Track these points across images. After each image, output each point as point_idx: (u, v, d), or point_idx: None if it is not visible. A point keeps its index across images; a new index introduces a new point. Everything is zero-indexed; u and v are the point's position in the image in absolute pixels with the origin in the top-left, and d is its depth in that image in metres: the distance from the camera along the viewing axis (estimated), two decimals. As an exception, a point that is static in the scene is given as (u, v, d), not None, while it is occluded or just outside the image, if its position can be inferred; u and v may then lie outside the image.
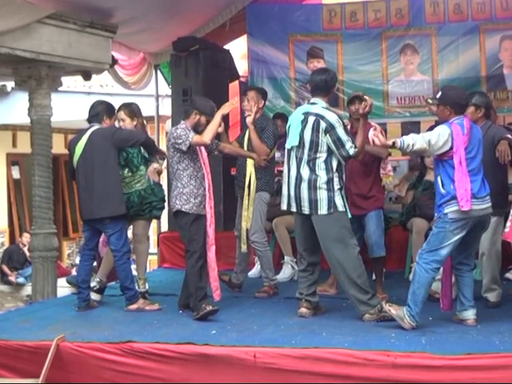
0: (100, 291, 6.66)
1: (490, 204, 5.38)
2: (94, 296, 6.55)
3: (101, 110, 6.40)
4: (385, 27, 9.75)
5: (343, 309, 6.04)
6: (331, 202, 5.68)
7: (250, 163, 6.71)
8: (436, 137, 5.30)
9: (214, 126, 5.98)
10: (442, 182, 5.35)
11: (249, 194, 6.70)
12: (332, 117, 5.73)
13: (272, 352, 4.75)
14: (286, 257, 7.76)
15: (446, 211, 5.31)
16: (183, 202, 5.99)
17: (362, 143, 5.85)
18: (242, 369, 4.74)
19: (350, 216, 5.83)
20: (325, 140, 5.68)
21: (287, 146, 5.91)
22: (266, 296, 6.71)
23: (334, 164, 5.72)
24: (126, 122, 6.57)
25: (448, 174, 5.32)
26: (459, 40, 9.51)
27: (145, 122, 6.92)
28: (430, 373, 4.52)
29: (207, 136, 5.94)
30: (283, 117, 7.96)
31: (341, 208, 5.71)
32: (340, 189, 5.73)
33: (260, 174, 6.71)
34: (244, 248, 6.80)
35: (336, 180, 5.72)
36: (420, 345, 4.83)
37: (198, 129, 6.06)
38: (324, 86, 5.87)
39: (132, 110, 6.61)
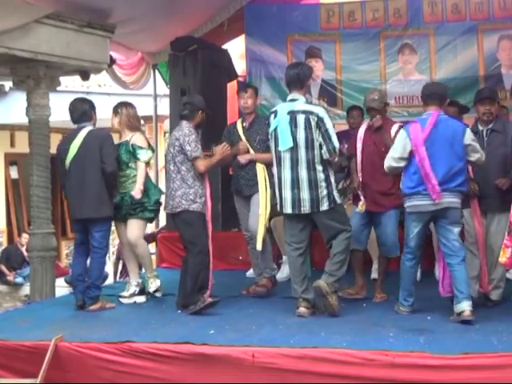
0: (143, 292, 6.66)
1: (447, 199, 5.59)
2: (139, 299, 6.57)
3: (87, 109, 6.52)
4: (383, 27, 9.77)
5: (342, 309, 6.04)
6: (331, 198, 5.87)
7: (261, 164, 6.68)
8: (393, 151, 5.80)
9: (213, 162, 6.35)
10: (403, 178, 5.75)
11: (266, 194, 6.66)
12: (319, 110, 5.94)
13: (270, 352, 4.75)
14: (284, 257, 7.75)
15: (405, 205, 5.77)
16: (190, 202, 6.17)
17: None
18: (241, 369, 4.74)
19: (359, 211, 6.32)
20: (317, 135, 5.81)
21: (279, 148, 5.91)
22: (264, 290, 6.68)
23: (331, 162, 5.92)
24: (112, 116, 6.72)
25: (409, 170, 5.67)
26: (457, 40, 9.53)
27: (142, 122, 6.90)
28: (429, 372, 4.52)
29: (205, 167, 6.24)
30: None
31: (339, 200, 5.96)
32: (335, 184, 5.98)
33: (270, 172, 6.49)
34: (260, 247, 6.70)
35: (331, 175, 5.93)
36: (418, 344, 4.83)
37: (201, 124, 6.40)
38: (297, 79, 5.99)
39: (116, 107, 6.71)
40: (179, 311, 6.15)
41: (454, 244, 5.66)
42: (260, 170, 6.67)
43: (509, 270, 7.12)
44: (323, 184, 5.83)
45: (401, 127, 6.13)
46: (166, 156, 6.52)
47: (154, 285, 6.69)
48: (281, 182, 5.91)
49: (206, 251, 6.17)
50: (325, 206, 5.85)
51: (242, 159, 6.72)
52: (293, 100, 5.97)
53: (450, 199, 5.63)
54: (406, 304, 5.85)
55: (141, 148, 6.52)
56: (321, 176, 5.83)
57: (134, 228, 6.57)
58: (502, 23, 9.40)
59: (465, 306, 5.47)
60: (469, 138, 5.70)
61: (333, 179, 5.94)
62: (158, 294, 6.73)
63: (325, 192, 5.84)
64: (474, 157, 5.71)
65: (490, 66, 9.46)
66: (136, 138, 6.58)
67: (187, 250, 6.36)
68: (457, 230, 5.69)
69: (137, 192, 6.45)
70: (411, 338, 5.02)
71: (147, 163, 6.60)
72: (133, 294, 6.63)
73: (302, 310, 5.84)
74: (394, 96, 9.72)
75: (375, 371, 4.58)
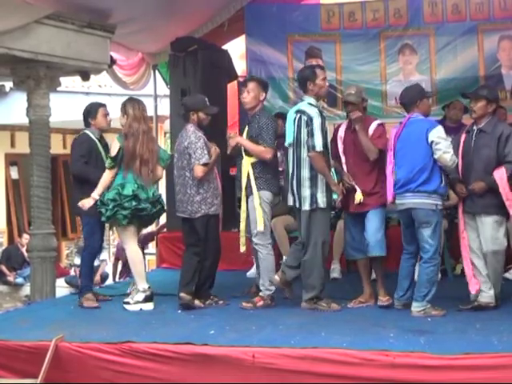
0: (149, 299, 6.40)
1: (410, 200, 5.81)
2: (145, 307, 6.31)
3: (85, 115, 6.75)
4: (383, 27, 9.77)
5: (342, 308, 6.04)
6: (313, 199, 6.00)
7: (246, 163, 6.44)
8: None
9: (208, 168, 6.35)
10: None
11: (247, 196, 6.44)
12: (312, 111, 6.07)
13: (271, 352, 4.75)
14: (284, 257, 7.74)
15: None
16: (209, 206, 6.37)
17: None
18: (241, 369, 4.74)
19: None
20: (305, 134, 6.02)
21: (286, 143, 6.29)
22: (250, 307, 6.24)
23: None
24: (120, 116, 6.56)
25: None
26: (457, 40, 9.53)
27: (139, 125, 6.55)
28: (429, 372, 4.52)
29: (203, 172, 6.30)
30: (284, 117, 7.91)
31: (322, 205, 6.02)
32: (326, 187, 6.01)
33: (259, 172, 6.40)
34: (243, 249, 6.63)
35: (320, 176, 6.01)
36: (418, 345, 4.82)
37: (202, 124, 6.44)
38: (299, 82, 6.40)
39: (123, 105, 6.51)
40: (179, 311, 6.16)
41: (422, 245, 5.84)
42: (244, 169, 6.44)
43: (509, 271, 7.13)
44: (307, 183, 6.01)
45: (380, 124, 6.18)
46: (175, 162, 6.52)
47: (133, 295, 6.40)
48: (287, 175, 6.28)
49: (219, 255, 6.55)
50: (306, 206, 6.02)
51: (232, 141, 6.53)
52: (302, 100, 6.28)
53: (412, 200, 5.82)
54: (397, 297, 5.99)
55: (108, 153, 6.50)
56: (305, 175, 6.01)
57: (117, 232, 6.64)
58: (502, 23, 9.39)
59: (412, 307, 5.82)
60: (434, 134, 5.80)
61: (320, 181, 5.98)
62: (125, 305, 6.36)
63: (307, 192, 6.00)
64: (436, 154, 5.78)
65: (491, 66, 9.46)
66: (113, 142, 6.50)
67: (191, 248, 6.47)
68: (426, 231, 5.79)
69: (85, 201, 6.38)
70: (411, 338, 5.02)
71: (110, 169, 6.39)
72: (138, 301, 6.37)
73: (276, 277, 6.19)
74: (394, 96, 9.70)
75: (375, 371, 4.58)
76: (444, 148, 5.76)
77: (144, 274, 6.52)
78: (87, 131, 6.71)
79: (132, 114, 6.41)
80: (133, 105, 6.48)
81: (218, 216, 6.48)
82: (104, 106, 6.85)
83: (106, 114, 6.78)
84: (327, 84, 6.37)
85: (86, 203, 6.35)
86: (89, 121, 6.72)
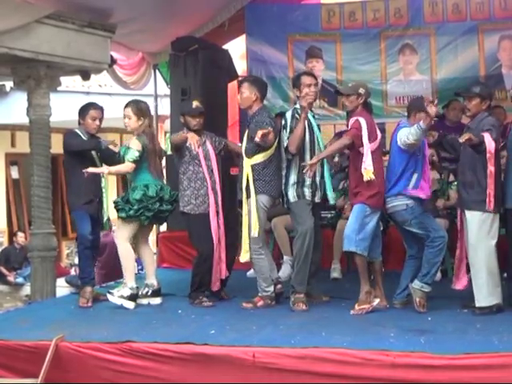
0: (156, 294, 6.54)
1: (388, 205, 5.98)
2: (126, 304, 6.30)
3: (78, 114, 6.74)
4: (383, 27, 9.79)
5: (342, 308, 6.04)
6: (286, 196, 6.25)
7: (246, 164, 6.31)
8: None
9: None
10: None
11: (247, 198, 6.29)
12: (288, 112, 6.34)
13: (271, 352, 4.75)
14: (284, 256, 7.75)
15: None
16: (185, 204, 6.39)
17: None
18: (241, 369, 4.74)
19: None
20: (285, 135, 6.21)
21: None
22: (250, 307, 6.22)
23: (294, 161, 6.17)
24: (132, 121, 6.41)
25: None
26: (458, 40, 9.55)
27: (152, 123, 6.71)
28: (429, 372, 4.52)
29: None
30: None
31: (292, 199, 6.20)
32: (296, 183, 6.16)
33: (258, 174, 6.26)
34: (246, 257, 6.34)
35: (293, 176, 6.18)
36: (419, 344, 4.82)
37: (190, 127, 6.48)
38: None
39: (140, 108, 6.44)
40: (179, 311, 6.16)
41: (419, 233, 5.94)
42: (244, 171, 6.32)
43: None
44: (283, 181, 6.24)
45: (356, 120, 5.97)
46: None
47: (118, 290, 6.36)
48: None
49: (205, 256, 6.36)
50: (285, 203, 6.29)
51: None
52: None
53: (390, 204, 6.00)
54: (395, 295, 6.11)
55: (129, 148, 6.32)
56: (283, 174, 6.25)
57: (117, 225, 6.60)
58: (502, 23, 9.41)
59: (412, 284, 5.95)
60: (401, 133, 5.89)
61: (293, 179, 6.14)
62: (108, 295, 6.40)
63: (285, 189, 6.23)
64: (409, 139, 5.78)
65: (491, 66, 9.48)
66: (131, 141, 6.44)
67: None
68: (410, 227, 5.97)
69: (94, 169, 6.37)
70: (412, 338, 5.01)
71: (133, 162, 6.30)
72: (145, 295, 6.48)
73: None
74: (394, 96, 9.75)
75: (376, 371, 4.57)
76: (412, 136, 5.77)
77: (133, 272, 6.46)
78: (77, 130, 6.69)
79: (148, 113, 6.53)
80: (145, 104, 6.55)
81: (200, 216, 6.36)
82: (97, 108, 6.71)
83: (96, 118, 6.64)
84: (313, 90, 6.22)
85: (97, 170, 6.39)
86: (79, 121, 6.70)
